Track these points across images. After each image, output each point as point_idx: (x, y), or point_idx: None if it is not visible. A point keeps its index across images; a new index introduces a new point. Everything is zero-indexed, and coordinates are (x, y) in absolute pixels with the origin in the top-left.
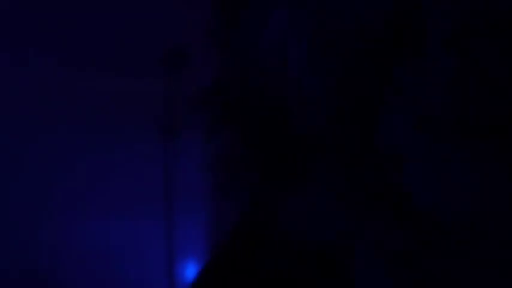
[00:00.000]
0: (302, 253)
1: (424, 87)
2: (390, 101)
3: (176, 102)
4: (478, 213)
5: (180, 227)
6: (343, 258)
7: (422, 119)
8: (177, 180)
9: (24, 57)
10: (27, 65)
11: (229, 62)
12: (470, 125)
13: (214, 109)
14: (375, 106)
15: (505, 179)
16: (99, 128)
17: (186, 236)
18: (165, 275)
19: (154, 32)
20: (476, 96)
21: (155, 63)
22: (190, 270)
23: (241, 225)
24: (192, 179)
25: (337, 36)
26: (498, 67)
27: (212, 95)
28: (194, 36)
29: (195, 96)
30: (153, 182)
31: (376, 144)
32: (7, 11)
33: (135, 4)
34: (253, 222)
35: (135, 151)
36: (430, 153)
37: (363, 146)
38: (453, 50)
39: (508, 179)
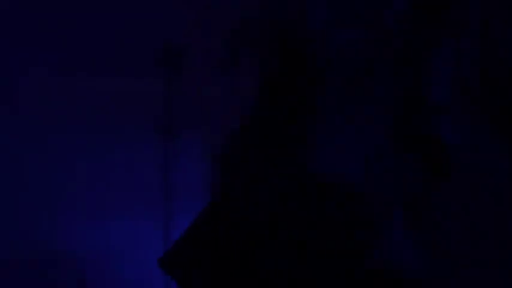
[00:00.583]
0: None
1: (462, 55)
2: (437, 61)
3: (176, 102)
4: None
5: (179, 227)
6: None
7: (460, 81)
8: (177, 181)
9: (24, 57)
10: (27, 65)
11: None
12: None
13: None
14: (425, 59)
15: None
16: (99, 128)
17: None
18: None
19: (155, 32)
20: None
21: (155, 63)
22: None
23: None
24: (192, 179)
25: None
26: None
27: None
28: (194, 36)
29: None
30: (152, 182)
31: (422, 95)
32: (7, 11)
33: (135, 4)
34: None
35: (135, 151)
36: (462, 113)
37: (409, 93)
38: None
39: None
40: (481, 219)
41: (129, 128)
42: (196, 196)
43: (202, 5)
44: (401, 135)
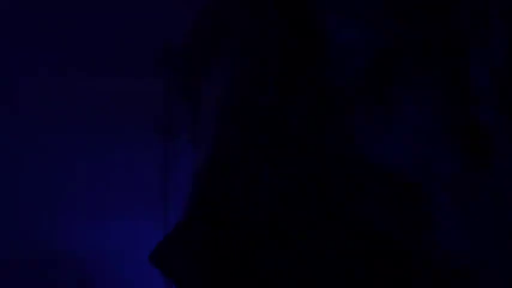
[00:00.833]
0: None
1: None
2: (476, 52)
3: (176, 102)
4: None
5: None
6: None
7: (495, 69)
8: (177, 181)
9: (24, 57)
10: (27, 65)
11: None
12: None
13: None
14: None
15: None
16: (99, 128)
17: None
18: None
19: (154, 32)
20: None
21: (155, 63)
22: None
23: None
24: (191, 179)
25: None
26: None
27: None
28: (194, 36)
29: None
30: (152, 182)
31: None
32: (7, 11)
33: (135, 4)
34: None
35: (134, 151)
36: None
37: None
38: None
39: None
40: None
41: (129, 128)
42: None
43: (202, 5)
44: (447, 124)
